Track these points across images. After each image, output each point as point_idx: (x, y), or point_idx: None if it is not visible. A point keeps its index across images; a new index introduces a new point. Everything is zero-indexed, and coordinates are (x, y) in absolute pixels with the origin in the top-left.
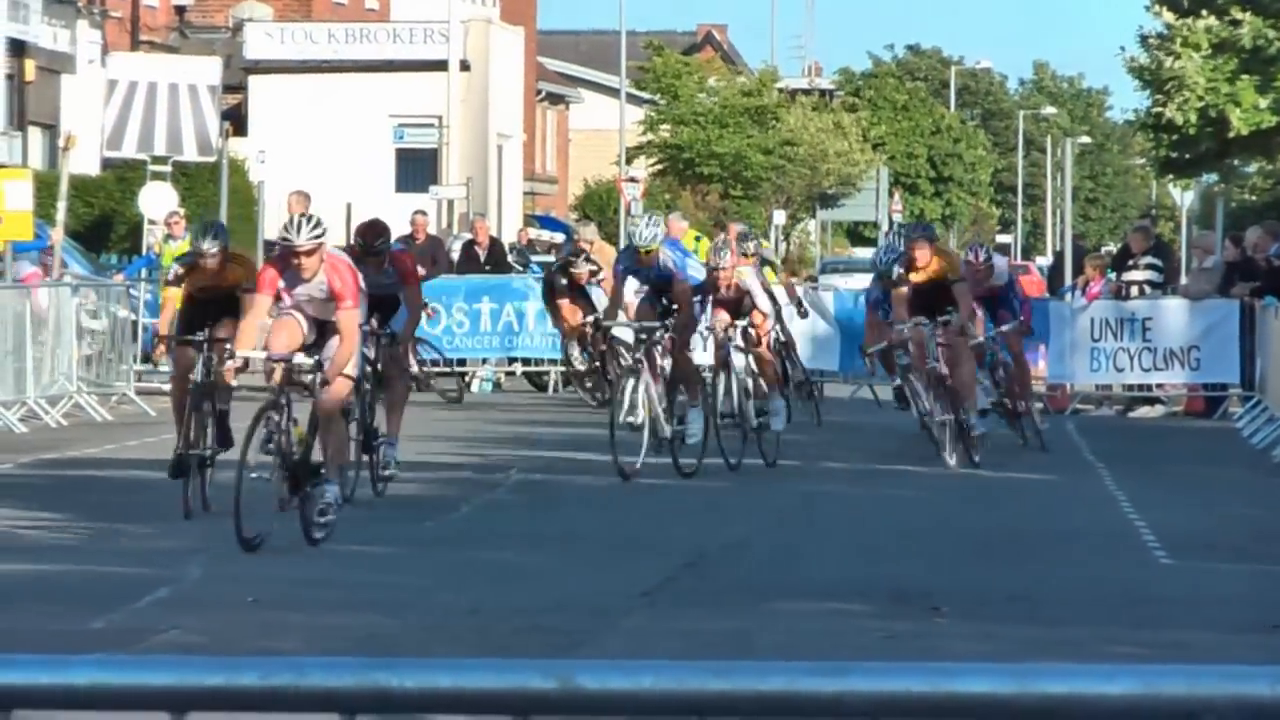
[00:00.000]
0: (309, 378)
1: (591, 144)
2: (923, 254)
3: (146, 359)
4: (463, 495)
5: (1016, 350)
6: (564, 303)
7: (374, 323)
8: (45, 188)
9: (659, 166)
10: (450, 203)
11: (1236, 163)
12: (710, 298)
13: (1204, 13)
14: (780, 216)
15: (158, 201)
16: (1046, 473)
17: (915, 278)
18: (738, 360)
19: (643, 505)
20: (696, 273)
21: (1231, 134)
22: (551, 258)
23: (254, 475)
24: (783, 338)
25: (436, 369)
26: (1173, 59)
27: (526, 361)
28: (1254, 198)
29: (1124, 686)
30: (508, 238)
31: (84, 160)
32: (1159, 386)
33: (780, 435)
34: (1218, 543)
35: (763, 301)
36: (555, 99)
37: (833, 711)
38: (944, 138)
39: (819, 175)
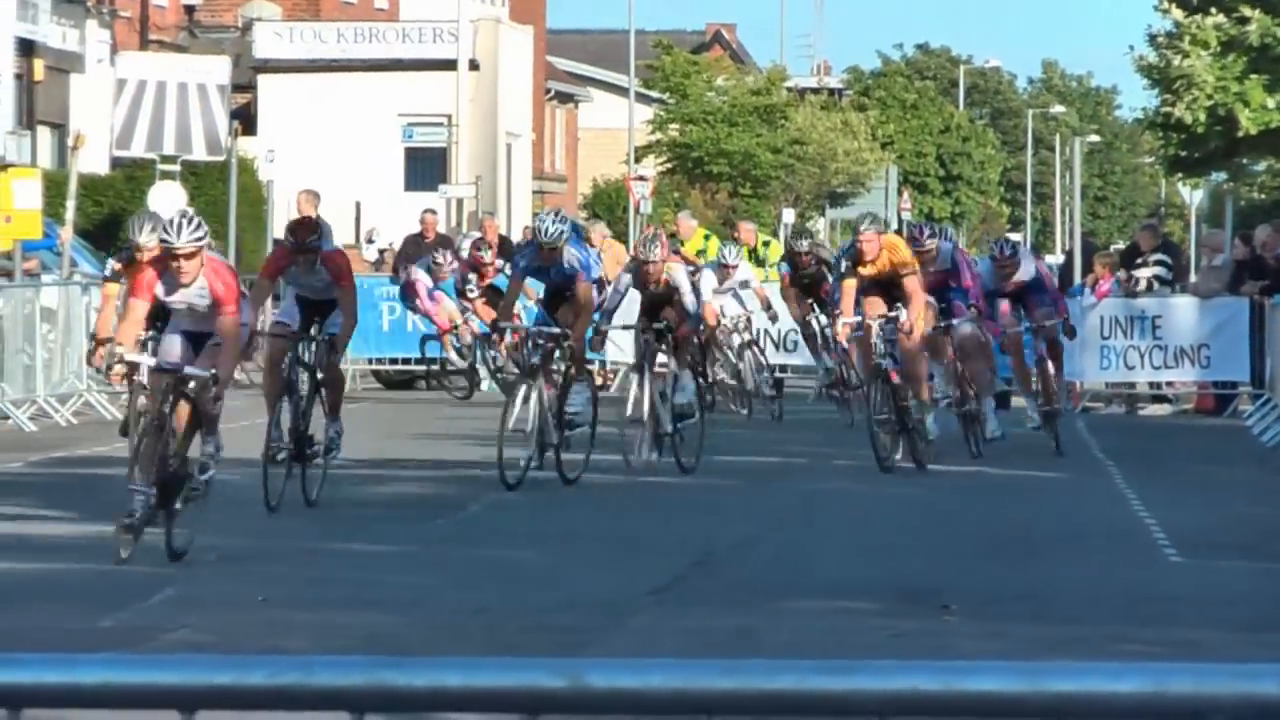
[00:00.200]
0: (191, 386)
1: (600, 143)
2: (871, 246)
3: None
4: (471, 494)
5: (1054, 347)
6: (479, 302)
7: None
8: (54, 187)
9: (668, 165)
10: (459, 201)
11: (1245, 161)
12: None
13: (1213, 10)
14: (789, 215)
15: (167, 201)
16: (1056, 470)
17: (865, 271)
18: (659, 363)
19: (651, 504)
20: (622, 273)
21: (1240, 133)
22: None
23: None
24: (748, 337)
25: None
26: (1181, 57)
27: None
28: (1263, 196)
29: (1133, 685)
30: (517, 237)
31: (93, 159)
32: (1169, 385)
33: (701, 443)
34: (1227, 541)
35: (689, 301)
36: (564, 98)
37: (841, 710)
38: (953, 136)
39: (828, 174)
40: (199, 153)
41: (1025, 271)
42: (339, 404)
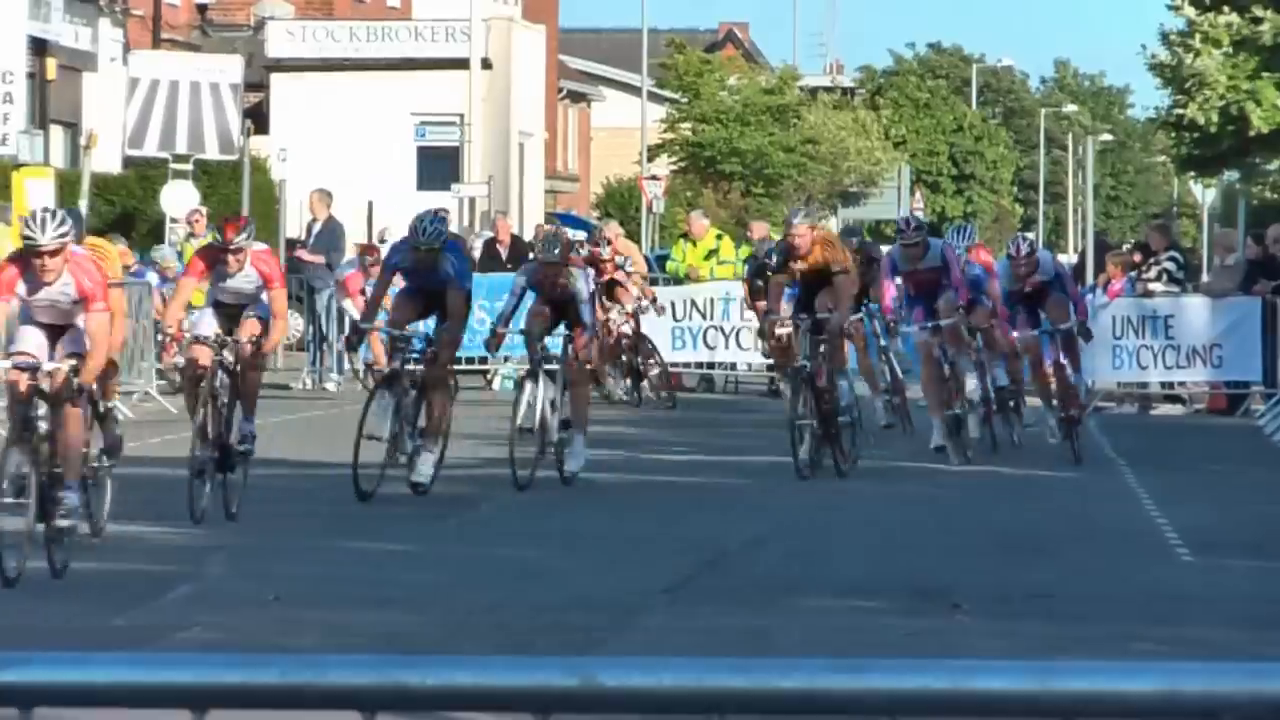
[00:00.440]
0: (46, 384)
1: (613, 142)
2: (803, 241)
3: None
4: (483, 493)
5: (1073, 350)
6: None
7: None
8: (67, 186)
9: (680, 164)
10: (472, 201)
11: (1258, 160)
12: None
13: (1225, 9)
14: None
15: (179, 199)
16: (1067, 470)
17: (797, 266)
18: (548, 374)
19: (663, 503)
20: (518, 274)
21: (1252, 132)
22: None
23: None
24: (634, 329)
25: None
26: (1193, 56)
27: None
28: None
29: (1145, 684)
30: (529, 236)
31: (106, 158)
32: (1181, 384)
33: (581, 464)
34: (1239, 540)
35: (585, 312)
36: (577, 97)
37: (852, 709)
38: (965, 135)
39: (840, 173)
40: (211, 152)
41: (1044, 270)
42: (254, 407)
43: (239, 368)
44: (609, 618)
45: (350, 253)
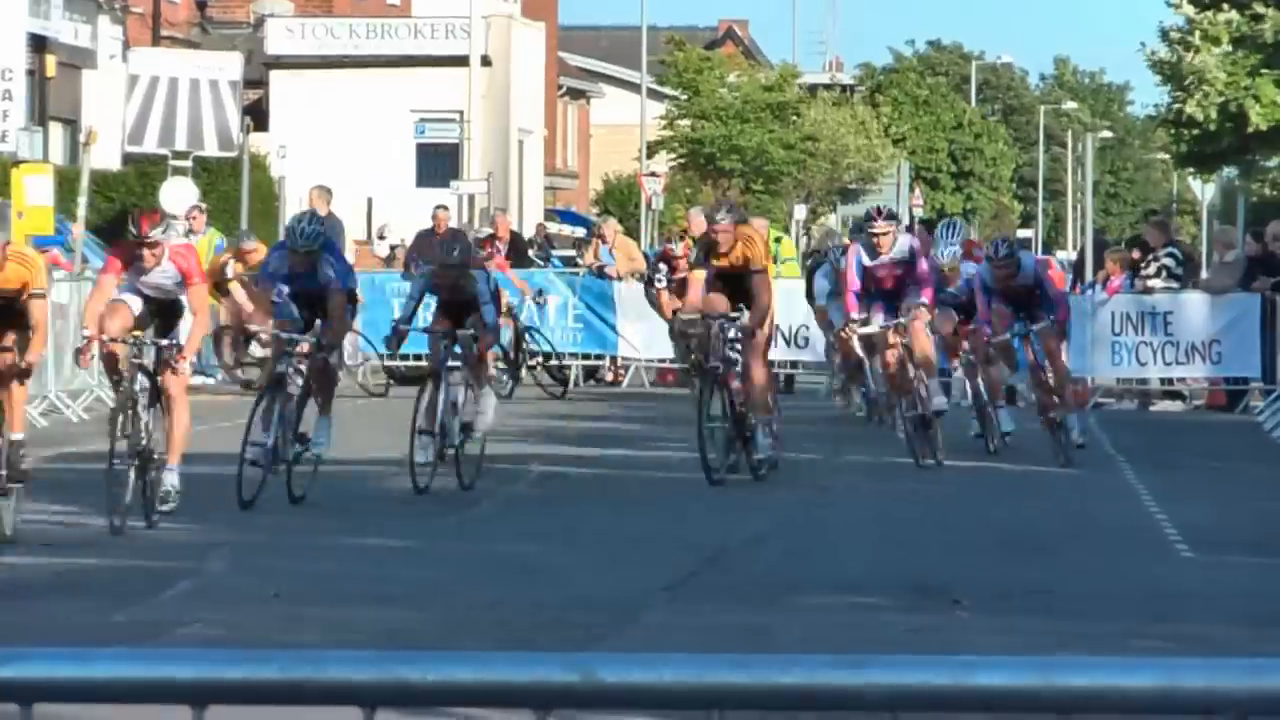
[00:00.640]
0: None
1: (612, 139)
2: (725, 237)
3: None
4: (483, 490)
5: (1051, 350)
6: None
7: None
8: (67, 183)
9: (680, 161)
10: (471, 198)
11: (1257, 158)
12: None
13: (1225, 6)
14: (801, 211)
15: (179, 197)
16: (1067, 466)
17: (717, 263)
18: (453, 373)
19: (663, 500)
20: (416, 275)
21: (1251, 129)
22: (572, 252)
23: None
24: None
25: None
26: (1193, 53)
27: (547, 356)
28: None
29: (1145, 680)
30: (529, 233)
31: (105, 155)
32: (1180, 381)
33: (482, 456)
34: (1239, 536)
35: (487, 313)
36: (576, 94)
37: (853, 705)
38: (965, 132)
39: (840, 170)
40: (211, 149)
41: (1025, 273)
42: (179, 439)
43: (160, 369)
44: (609, 614)
45: (350, 250)
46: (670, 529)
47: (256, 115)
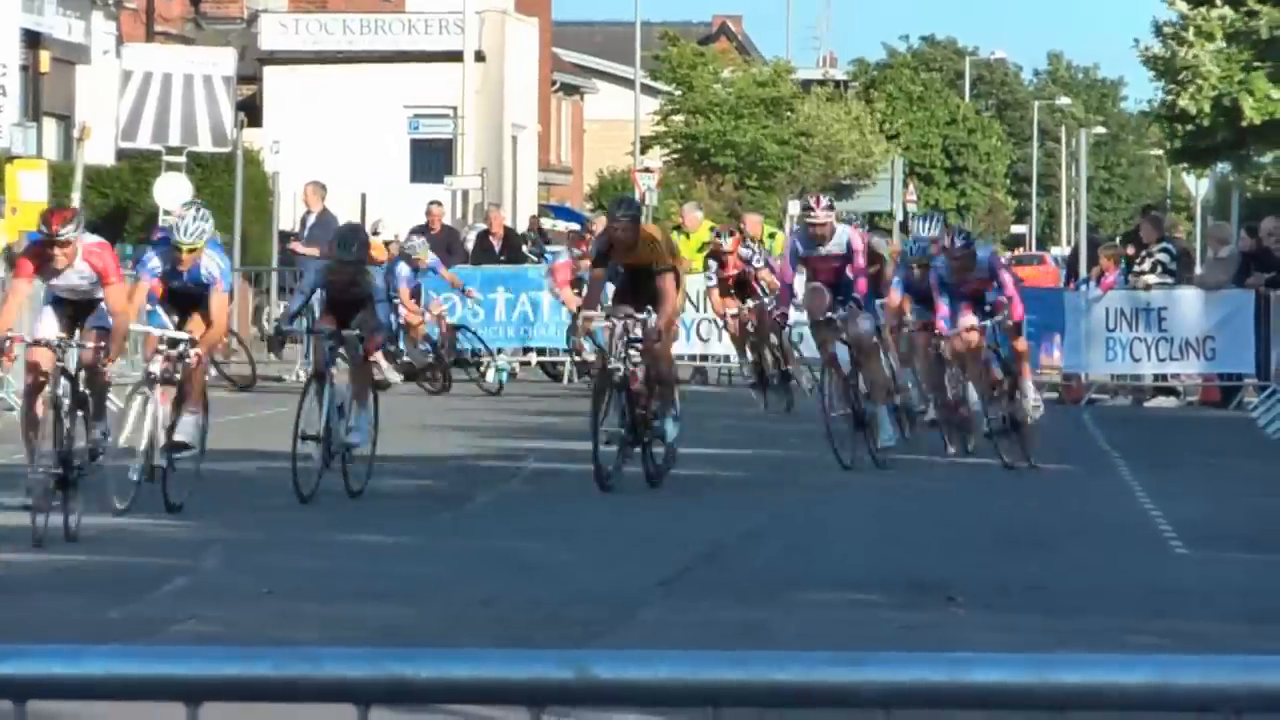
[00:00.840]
0: None
1: (606, 135)
2: (626, 235)
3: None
4: (479, 487)
5: (1015, 351)
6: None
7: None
8: (60, 178)
9: (674, 157)
10: (465, 193)
11: (1251, 153)
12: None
13: (1218, 2)
14: (795, 207)
15: (173, 192)
16: (1062, 463)
17: (620, 262)
18: (338, 375)
19: (659, 497)
20: (307, 273)
21: (1245, 123)
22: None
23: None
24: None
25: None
26: (1186, 49)
27: (541, 351)
28: (1269, 188)
29: (1141, 676)
30: (523, 228)
31: (99, 151)
32: (1174, 376)
33: (373, 460)
34: (1233, 533)
35: (379, 312)
36: (570, 90)
37: (849, 702)
38: (959, 128)
39: (834, 166)
40: (204, 144)
41: (980, 268)
42: (105, 408)
43: (82, 372)
44: (606, 611)
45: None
46: (667, 525)
47: (250, 111)
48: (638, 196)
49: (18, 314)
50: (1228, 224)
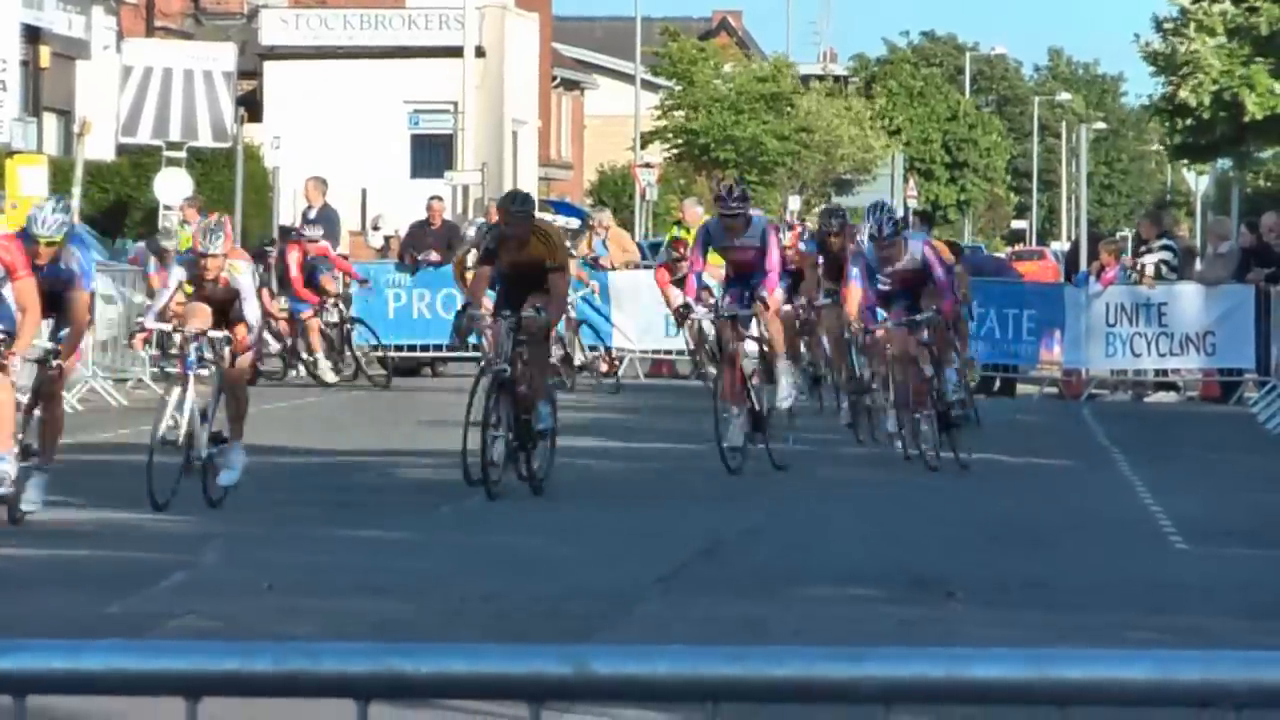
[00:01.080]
0: None
1: (606, 130)
2: (519, 230)
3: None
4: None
5: (942, 344)
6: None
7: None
8: (61, 173)
9: (674, 152)
10: (465, 188)
11: (1251, 149)
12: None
13: None
14: (795, 202)
15: (173, 187)
16: (1062, 459)
17: (506, 257)
18: (200, 378)
19: (658, 492)
20: (174, 267)
21: (1246, 119)
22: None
23: None
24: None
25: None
26: (1186, 44)
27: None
28: (1269, 183)
29: (1141, 672)
30: None
31: (99, 146)
32: (1174, 372)
33: (237, 477)
34: (1233, 528)
35: (251, 310)
36: (570, 85)
37: (848, 697)
38: (959, 124)
39: (834, 161)
40: (205, 139)
41: (912, 257)
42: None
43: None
44: (605, 607)
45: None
46: (666, 521)
47: (250, 106)
48: (638, 191)
49: None
50: (1228, 219)
